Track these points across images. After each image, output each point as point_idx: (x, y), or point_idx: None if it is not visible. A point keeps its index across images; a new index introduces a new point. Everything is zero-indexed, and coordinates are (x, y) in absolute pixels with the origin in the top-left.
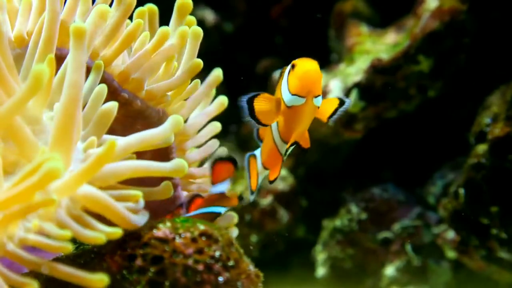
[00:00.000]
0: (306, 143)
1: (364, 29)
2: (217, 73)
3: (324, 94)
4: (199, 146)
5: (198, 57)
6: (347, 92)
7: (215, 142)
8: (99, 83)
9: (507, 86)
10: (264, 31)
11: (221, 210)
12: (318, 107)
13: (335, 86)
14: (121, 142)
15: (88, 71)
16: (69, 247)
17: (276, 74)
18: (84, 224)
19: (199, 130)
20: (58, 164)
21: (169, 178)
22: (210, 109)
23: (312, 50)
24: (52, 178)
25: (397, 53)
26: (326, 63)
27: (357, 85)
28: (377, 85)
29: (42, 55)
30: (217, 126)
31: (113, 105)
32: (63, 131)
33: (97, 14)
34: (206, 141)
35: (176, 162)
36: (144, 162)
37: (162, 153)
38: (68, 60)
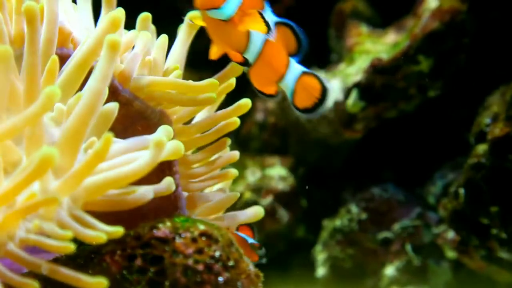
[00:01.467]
0: (235, 58)
1: (364, 29)
2: (230, 82)
3: None
4: (207, 145)
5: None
6: (347, 92)
7: (229, 149)
8: None
9: (507, 86)
10: None
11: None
12: (227, 20)
13: (335, 86)
14: (119, 145)
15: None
16: (71, 247)
17: None
18: (84, 224)
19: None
20: (52, 151)
21: (169, 174)
22: (224, 110)
23: (312, 50)
24: (48, 163)
25: (397, 53)
26: (326, 63)
27: (357, 85)
28: (377, 85)
29: (43, 56)
30: (228, 124)
31: (114, 106)
32: (73, 135)
33: (110, 22)
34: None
35: (171, 144)
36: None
37: None
38: (96, 68)
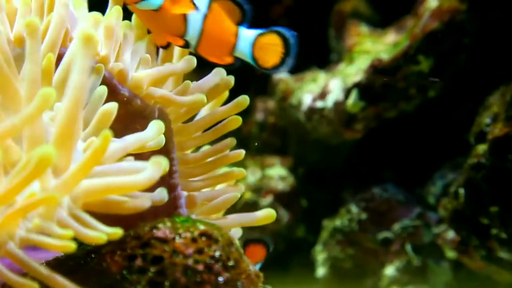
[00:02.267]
0: (176, 43)
1: (364, 29)
2: (228, 79)
3: (324, 94)
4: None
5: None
6: (347, 92)
7: (226, 144)
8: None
9: (507, 87)
10: None
11: None
12: (158, 9)
13: (335, 86)
14: (117, 144)
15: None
16: (72, 246)
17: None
18: (85, 224)
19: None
20: (49, 149)
21: (168, 173)
22: (223, 108)
23: (312, 50)
24: (46, 162)
25: (397, 53)
26: (326, 63)
27: (357, 85)
28: (377, 85)
29: (44, 56)
30: (229, 122)
31: (114, 106)
32: (65, 132)
33: (91, 20)
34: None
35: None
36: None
37: (161, 152)
38: (75, 63)
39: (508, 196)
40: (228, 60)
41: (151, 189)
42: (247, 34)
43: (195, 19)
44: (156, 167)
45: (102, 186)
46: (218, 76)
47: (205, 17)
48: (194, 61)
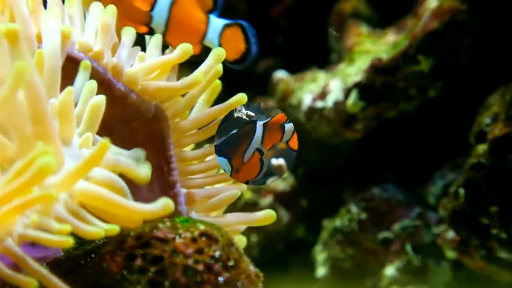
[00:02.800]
0: (139, 30)
1: (364, 29)
2: (217, 68)
3: (324, 94)
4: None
5: (198, 56)
6: (347, 92)
7: None
8: (95, 77)
9: (507, 87)
10: (264, 31)
11: None
12: None
13: (335, 86)
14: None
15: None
16: (70, 241)
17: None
18: (82, 220)
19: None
20: (50, 159)
21: (167, 171)
22: (221, 105)
23: (312, 50)
24: (46, 173)
25: (397, 53)
26: (326, 63)
27: (357, 85)
28: (377, 85)
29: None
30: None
31: (101, 98)
32: (38, 125)
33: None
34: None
35: (161, 203)
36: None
37: (159, 150)
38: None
39: (508, 196)
40: (196, 50)
41: (152, 188)
42: (217, 23)
43: (161, 4)
44: (164, 204)
45: (108, 198)
46: (215, 56)
47: (173, 2)
48: (189, 48)
